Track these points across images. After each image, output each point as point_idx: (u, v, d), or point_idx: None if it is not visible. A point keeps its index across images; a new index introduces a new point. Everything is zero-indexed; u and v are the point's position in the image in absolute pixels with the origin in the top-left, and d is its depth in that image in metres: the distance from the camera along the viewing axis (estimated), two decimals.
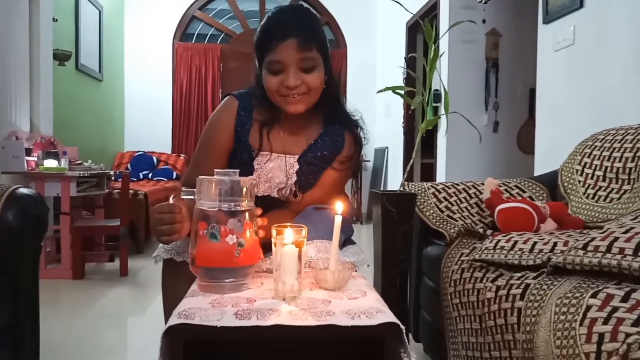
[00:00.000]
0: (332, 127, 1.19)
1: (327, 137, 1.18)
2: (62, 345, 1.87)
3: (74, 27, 4.26)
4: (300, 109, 1.10)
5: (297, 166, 1.15)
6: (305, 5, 1.15)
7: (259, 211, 0.95)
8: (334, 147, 1.18)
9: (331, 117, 1.19)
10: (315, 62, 1.08)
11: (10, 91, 3.10)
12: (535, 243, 1.12)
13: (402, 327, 0.72)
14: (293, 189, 1.15)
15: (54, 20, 3.68)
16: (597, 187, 1.54)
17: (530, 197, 1.67)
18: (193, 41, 5.72)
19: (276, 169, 1.15)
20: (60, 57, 3.80)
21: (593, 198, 1.53)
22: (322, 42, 1.09)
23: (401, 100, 4.27)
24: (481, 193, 1.62)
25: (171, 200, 0.94)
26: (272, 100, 1.12)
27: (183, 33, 5.69)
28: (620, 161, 1.49)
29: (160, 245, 1.12)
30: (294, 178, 1.15)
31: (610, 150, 1.54)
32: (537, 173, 2.47)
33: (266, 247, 0.93)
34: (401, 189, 1.71)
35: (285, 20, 1.07)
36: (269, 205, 1.13)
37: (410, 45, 4.57)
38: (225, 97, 1.21)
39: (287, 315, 0.73)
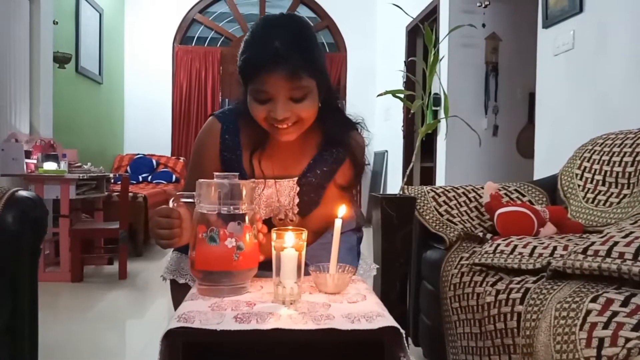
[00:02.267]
0: (332, 142, 1.08)
1: (327, 151, 1.08)
2: (60, 348, 1.86)
3: (74, 30, 4.26)
4: (291, 138, 1.00)
5: (297, 188, 1.07)
6: (297, 14, 1.04)
7: (264, 228, 0.92)
8: (335, 162, 1.09)
9: (331, 130, 1.07)
10: (307, 91, 0.94)
11: (10, 93, 3.10)
12: (535, 247, 1.12)
13: (402, 331, 0.72)
14: (288, 214, 1.07)
15: (55, 23, 3.69)
16: (596, 192, 1.54)
17: (529, 201, 1.67)
18: (193, 44, 5.73)
19: (274, 195, 1.07)
20: (60, 60, 3.80)
21: (592, 202, 1.53)
22: (315, 65, 0.94)
23: (401, 104, 4.27)
24: (481, 197, 1.62)
25: (171, 204, 0.93)
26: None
27: (183, 36, 5.70)
28: (619, 165, 1.49)
29: (165, 267, 1.15)
30: (296, 200, 1.07)
31: (610, 154, 1.54)
32: (536, 177, 2.47)
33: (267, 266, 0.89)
34: (401, 192, 1.71)
35: (272, 44, 0.90)
36: (273, 226, 1.06)
37: (410, 49, 4.59)
38: (210, 117, 1.12)
39: (287, 318, 0.73)
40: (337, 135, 1.07)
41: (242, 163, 1.06)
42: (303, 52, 0.92)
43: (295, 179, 1.08)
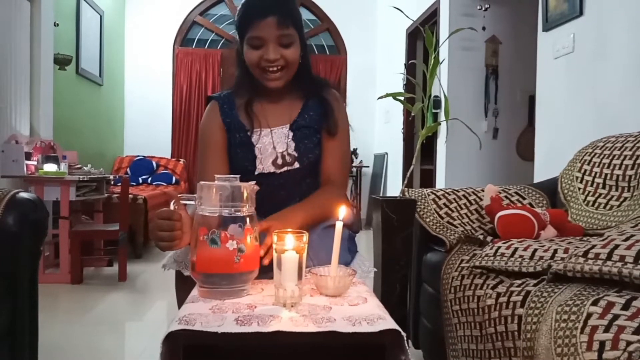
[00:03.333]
0: (314, 95, 1.25)
1: (311, 100, 1.25)
2: (59, 349, 1.86)
3: (74, 32, 4.27)
4: (279, 84, 1.18)
5: (291, 134, 1.20)
6: None
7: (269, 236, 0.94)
8: (322, 109, 1.24)
9: (310, 88, 1.25)
10: (292, 39, 1.15)
11: (10, 95, 3.10)
12: (535, 250, 1.12)
13: (404, 334, 0.72)
14: (286, 158, 1.18)
15: (55, 24, 3.69)
16: (597, 195, 1.54)
17: (530, 203, 1.67)
18: (193, 46, 5.74)
19: (271, 143, 1.20)
20: (60, 62, 3.81)
21: (593, 205, 1.53)
22: (298, 20, 1.18)
23: (401, 106, 4.28)
24: (481, 199, 1.62)
25: (172, 207, 0.93)
26: (253, 76, 1.19)
27: (183, 38, 5.71)
28: (620, 169, 1.49)
29: (171, 254, 1.13)
30: (293, 145, 1.19)
31: (610, 157, 1.55)
32: (536, 180, 2.48)
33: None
34: (401, 195, 1.71)
35: (265, 1, 1.14)
36: (277, 181, 1.18)
37: (410, 52, 4.59)
38: (208, 101, 1.30)
39: (288, 321, 0.73)
40: (317, 86, 1.26)
41: (240, 118, 1.22)
42: (288, 8, 1.15)
43: (288, 125, 1.22)
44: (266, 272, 0.92)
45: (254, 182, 0.94)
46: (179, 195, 0.97)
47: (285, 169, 1.18)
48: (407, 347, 0.73)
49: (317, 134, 1.22)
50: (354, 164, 5.42)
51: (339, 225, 0.91)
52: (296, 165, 1.19)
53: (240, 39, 1.18)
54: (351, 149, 1.34)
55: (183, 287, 1.09)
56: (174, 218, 0.91)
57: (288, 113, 1.23)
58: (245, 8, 1.15)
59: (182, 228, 0.92)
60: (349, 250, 1.16)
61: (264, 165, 1.18)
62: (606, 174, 1.53)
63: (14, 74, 3.13)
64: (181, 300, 1.12)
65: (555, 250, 1.09)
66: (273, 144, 1.19)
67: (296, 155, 1.19)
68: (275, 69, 1.15)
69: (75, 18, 4.28)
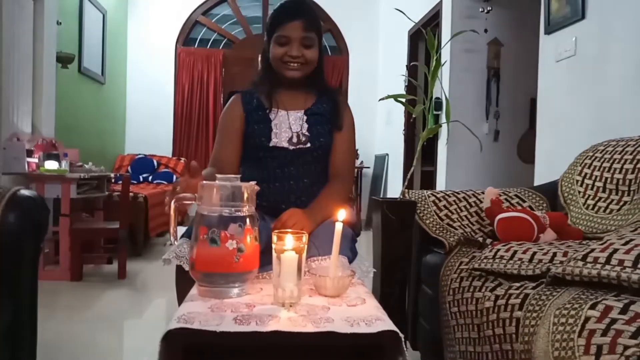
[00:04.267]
0: (325, 94, 1.42)
1: (323, 97, 1.41)
2: (58, 347, 1.86)
3: (77, 30, 4.27)
4: (297, 75, 1.35)
5: (305, 117, 1.36)
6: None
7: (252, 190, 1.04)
8: (331, 106, 1.40)
9: (322, 87, 1.43)
10: (313, 42, 1.34)
11: (13, 93, 3.11)
12: (534, 253, 1.12)
13: (402, 335, 0.72)
14: (300, 137, 1.33)
15: (58, 23, 3.70)
16: (597, 198, 1.54)
17: (530, 206, 1.67)
18: (196, 46, 5.75)
19: (287, 123, 1.35)
20: (63, 60, 3.81)
21: (593, 209, 1.53)
22: (319, 28, 1.37)
23: (402, 108, 4.28)
24: (481, 202, 1.62)
25: (172, 205, 0.94)
26: (274, 69, 1.36)
27: (186, 38, 5.72)
28: (620, 172, 1.50)
29: (173, 249, 1.14)
30: (305, 127, 1.35)
31: (611, 161, 1.55)
32: (537, 183, 2.47)
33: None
34: (401, 196, 1.72)
35: (294, 7, 1.35)
36: (290, 156, 1.32)
37: (412, 54, 4.59)
38: (229, 96, 1.45)
39: (287, 321, 0.74)
40: (327, 87, 1.46)
41: (261, 99, 1.38)
42: (313, 16, 1.36)
43: (303, 110, 1.38)
44: (264, 265, 0.96)
45: (255, 182, 0.94)
46: (179, 196, 0.97)
47: (298, 147, 1.32)
48: (405, 349, 0.73)
49: (328, 124, 1.37)
50: (355, 165, 5.42)
51: (338, 227, 0.92)
52: (308, 145, 1.33)
53: (268, 38, 1.36)
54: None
55: (183, 282, 1.09)
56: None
57: (303, 101, 1.39)
58: (277, 11, 1.35)
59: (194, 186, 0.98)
60: (351, 250, 1.18)
61: (279, 139, 1.32)
62: (606, 178, 1.53)
63: (16, 72, 3.13)
64: (181, 296, 1.13)
65: (555, 254, 1.09)
66: (289, 123, 1.34)
67: (309, 135, 1.33)
68: (295, 64, 1.33)
69: (78, 16, 4.29)
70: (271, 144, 1.31)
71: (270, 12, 1.37)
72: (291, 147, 1.31)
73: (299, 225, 1.11)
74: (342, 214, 0.94)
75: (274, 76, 1.38)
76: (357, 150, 5.31)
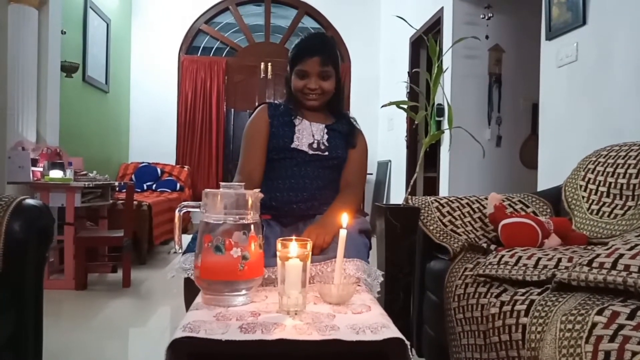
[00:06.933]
0: (341, 118, 1.54)
1: (339, 122, 1.53)
2: (63, 356, 1.86)
3: (81, 40, 4.31)
4: (315, 104, 1.48)
5: (325, 130, 1.48)
6: (326, 33, 1.56)
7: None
8: (348, 128, 1.52)
9: (340, 113, 1.55)
10: (330, 74, 1.47)
11: (18, 102, 3.13)
12: (539, 259, 1.12)
13: (407, 342, 0.72)
14: (320, 144, 1.44)
15: (63, 32, 3.73)
16: (601, 203, 1.54)
17: (534, 212, 1.67)
18: (199, 54, 5.78)
19: (309, 131, 1.46)
20: (67, 69, 3.84)
21: (597, 214, 1.52)
22: (336, 61, 1.49)
23: (404, 114, 4.29)
24: (485, 208, 1.62)
25: (177, 214, 0.94)
26: (296, 98, 1.49)
27: (189, 46, 5.76)
28: (624, 177, 1.49)
29: (177, 262, 1.17)
30: (326, 137, 1.46)
31: (614, 166, 1.54)
32: (540, 188, 2.47)
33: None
34: (405, 202, 1.72)
35: (313, 43, 1.48)
36: (305, 159, 1.42)
37: (414, 60, 4.61)
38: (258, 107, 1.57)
39: (292, 329, 0.74)
40: (345, 113, 1.57)
41: (290, 114, 1.49)
42: (330, 51, 1.49)
43: (324, 124, 1.49)
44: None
45: (259, 189, 0.95)
46: (183, 204, 0.98)
47: (317, 152, 1.43)
48: (411, 356, 0.73)
49: (345, 140, 1.49)
50: (365, 182, 5.42)
51: (342, 233, 0.92)
52: (326, 153, 1.43)
53: (290, 70, 1.48)
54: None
55: (192, 293, 1.10)
56: None
57: (324, 118, 1.52)
58: (298, 47, 1.48)
59: None
60: (366, 254, 1.28)
61: (300, 142, 1.43)
62: (610, 183, 1.53)
63: (21, 81, 3.16)
64: (190, 305, 1.13)
65: (560, 259, 1.09)
66: (312, 131, 1.46)
67: (327, 145, 1.45)
68: (314, 96, 1.46)
69: (83, 26, 4.32)
70: (292, 146, 1.42)
71: (292, 48, 1.51)
72: (310, 152, 1.42)
73: (320, 239, 1.20)
74: (344, 220, 0.94)
75: (296, 103, 1.51)
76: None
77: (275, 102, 1.57)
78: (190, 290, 1.12)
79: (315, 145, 1.44)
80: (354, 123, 1.56)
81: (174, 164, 5.54)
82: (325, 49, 1.47)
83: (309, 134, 1.46)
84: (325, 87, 1.46)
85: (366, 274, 1.13)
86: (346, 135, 1.50)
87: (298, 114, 1.49)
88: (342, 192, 1.45)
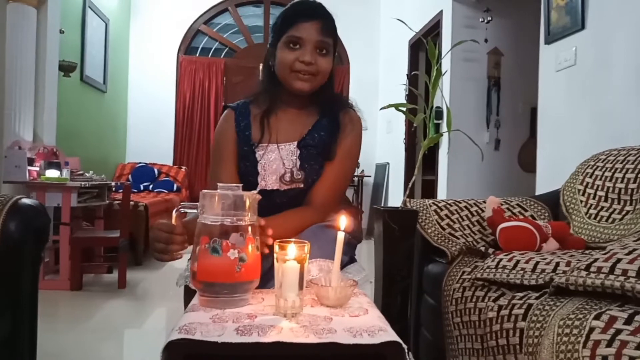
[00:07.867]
0: (329, 113, 1.23)
1: (325, 118, 1.23)
2: (58, 357, 1.85)
3: (80, 39, 4.30)
4: (305, 87, 1.16)
5: (297, 152, 1.18)
6: None
7: (262, 221, 0.95)
8: (332, 130, 1.21)
9: (328, 105, 1.23)
10: (329, 49, 1.17)
11: (15, 101, 3.12)
12: (537, 263, 1.12)
13: (405, 346, 0.72)
14: (295, 174, 1.17)
15: (61, 32, 3.73)
16: (599, 208, 1.54)
17: (532, 216, 1.67)
18: (197, 55, 5.78)
19: (278, 159, 1.18)
20: (65, 69, 3.84)
21: (595, 218, 1.52)
22: (336, 36, 1.21)
23: (403, 117, 4.29)
24: (483, 211, 1.61)
25: (174, 214, 0.94)
26: (280, 79, 1.18)
27: (188, 47, 5.75)
28: (622, 182, 1.49)
29: (180, 275, 1.15)
30: (298, 163, 1.18)
31: (612, 170, 1.54)
32: (538, 192, 2.47)
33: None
34: (403, 205, 1.71)
35: (312, 5, 1.17)
36: (280, 199, 1.17)
37: (413, 63, 4.62)
38: (224, 110, 1.30)
39: (288, 332, 0.73)
40: (335, 105, 1.24)
41: (251, 132, 1.21)
42: (331, 17, 1.19)
43: (296, 142, 1.19)
44: (266, 282, 0.94)
45: (257, 191, 0.94)
46: (181, 204, 0.97)
47: (291, 186, 1.17)
48: (408, 359, 0.72)
49: (320, 156, 1.20)
50: (355, 174, 5.42)
51: (340, 236, 0.91)
52: (301, 185, 1.17)
53: (276, 40, 1.17)
54: (354, 173, 1.34)
55: (191, 298, 1.09)
56: (172, 231, 0.92)
57: (300, 129, 1.21)
58: (292, 8, 1.16)
59: (179, 242, 0.93)
60: (344, 253, 1.16)
61: (267, 182, 1.17)
62: (608, 187, 1.53)
63: (19, 80, 3.15)
64: None
65: (557, 263, 1.09)
66: (281, 159, 1.18)
67: (302, 172, 1.17)
68: (306, 75, 1.15)
69: (81, 25, 4.32)
70: (258, 188, 1.16)
71: (264, 25, 1.24)
72: (283, 188, 1.17)
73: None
74: (343, 222, 0.94)
75: (274, 92, 1.21)
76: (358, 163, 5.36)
77: (243, 104, 1.27)
78: (190, 295, 1.11)
79: (287, 178, 1.16)
80: (343, 118, 1.23)
81: (171, 164, 5.53)
82: (327, 16, 1.18)
83: (278, 164, 1.17)
84: (322, 65, 1.15)
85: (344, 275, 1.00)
86: (323, 145, 1.19)
87: (265, 133, 1.19)
88: (301, 207, 1.16)
